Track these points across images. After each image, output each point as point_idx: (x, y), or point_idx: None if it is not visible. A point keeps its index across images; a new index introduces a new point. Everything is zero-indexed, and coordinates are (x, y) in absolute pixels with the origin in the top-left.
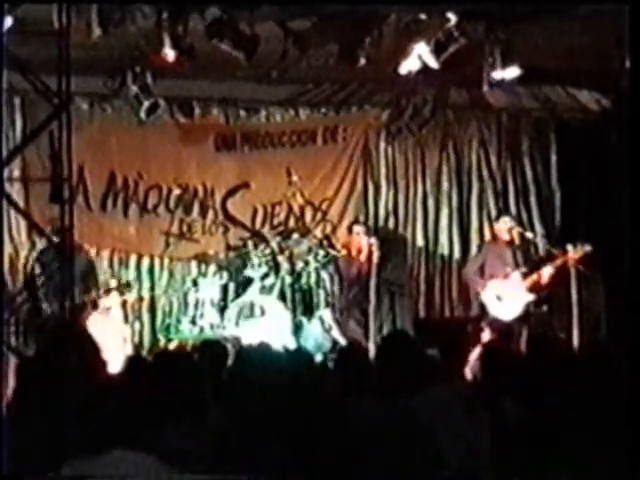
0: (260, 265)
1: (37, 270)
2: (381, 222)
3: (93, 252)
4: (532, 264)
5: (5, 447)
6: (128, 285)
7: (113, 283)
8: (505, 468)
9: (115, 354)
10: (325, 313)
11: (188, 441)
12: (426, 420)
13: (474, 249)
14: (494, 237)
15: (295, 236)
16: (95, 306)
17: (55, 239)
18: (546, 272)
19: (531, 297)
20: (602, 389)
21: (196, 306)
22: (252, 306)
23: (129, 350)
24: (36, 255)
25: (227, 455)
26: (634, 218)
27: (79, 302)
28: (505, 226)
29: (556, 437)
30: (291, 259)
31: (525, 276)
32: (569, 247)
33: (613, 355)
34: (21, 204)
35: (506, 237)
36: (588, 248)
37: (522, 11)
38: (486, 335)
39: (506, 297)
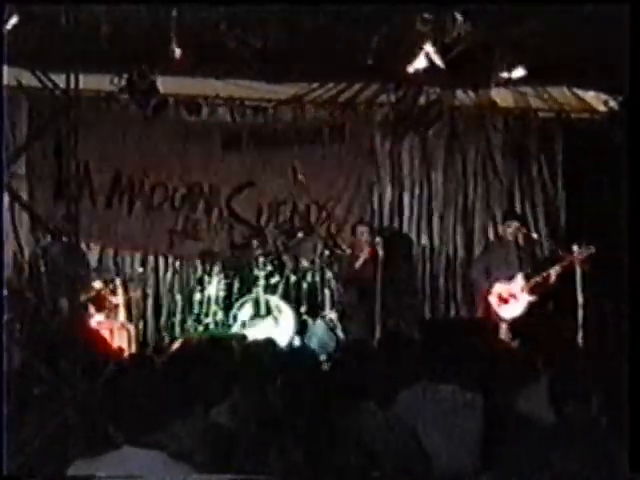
0: (265, 264)
1: (41, 267)
2: (386, 222)
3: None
4: (537, 265)
5: (5, 447)
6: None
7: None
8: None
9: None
10: (330, 312)
11: (195, 438)
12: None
13: (478, 249)
14: (499, 237)
15: (300, 235)
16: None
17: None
18: (553, 273)
19: (534, 298)
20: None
21: (201, 304)
22: (257, 304)
23: (133, 348)
24: (40, 252)
25: (232, 452)
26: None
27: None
28: (510, 229)
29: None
30: (296, 258)
31: (530, 277)
32: (574, 247)
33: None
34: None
35: (511, 238)
36: (593, 249)
37: (528, 11)
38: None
39: (510, 298)
